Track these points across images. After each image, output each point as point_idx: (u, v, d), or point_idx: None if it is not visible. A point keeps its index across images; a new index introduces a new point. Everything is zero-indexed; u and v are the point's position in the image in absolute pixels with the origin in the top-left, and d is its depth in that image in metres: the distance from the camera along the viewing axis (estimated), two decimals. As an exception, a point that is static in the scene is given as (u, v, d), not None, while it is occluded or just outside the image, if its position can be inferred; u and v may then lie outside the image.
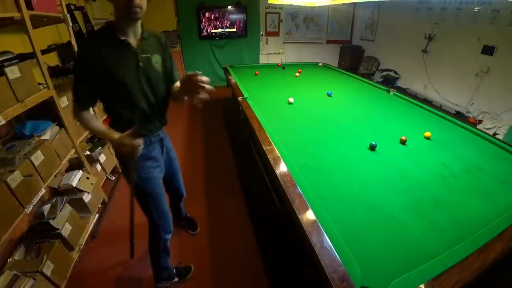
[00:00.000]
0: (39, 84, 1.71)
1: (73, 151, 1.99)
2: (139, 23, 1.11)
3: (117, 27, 1.07)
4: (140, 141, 1.11)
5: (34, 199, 1.49)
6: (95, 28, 2.94)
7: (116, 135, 1.12)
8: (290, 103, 2.45)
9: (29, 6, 1.59)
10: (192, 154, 3.09)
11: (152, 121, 1.23)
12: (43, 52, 1.85)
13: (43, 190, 1.58)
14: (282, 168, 1.36)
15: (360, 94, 2.83)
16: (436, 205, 1.20)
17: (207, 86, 1.01)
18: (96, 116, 1.25)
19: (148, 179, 1.27)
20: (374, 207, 1.18)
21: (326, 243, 0.92)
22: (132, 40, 1.10)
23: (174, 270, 1.60)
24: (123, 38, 1.07)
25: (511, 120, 3.19)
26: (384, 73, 5.14)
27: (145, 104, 1.16)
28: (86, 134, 2.26)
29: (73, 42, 2.15)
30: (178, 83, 1.28)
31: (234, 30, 5.49)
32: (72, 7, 2.55)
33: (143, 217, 1.41)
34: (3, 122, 1.34)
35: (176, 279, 1.59)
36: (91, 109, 1.20)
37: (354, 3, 5.65)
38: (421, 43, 4.40)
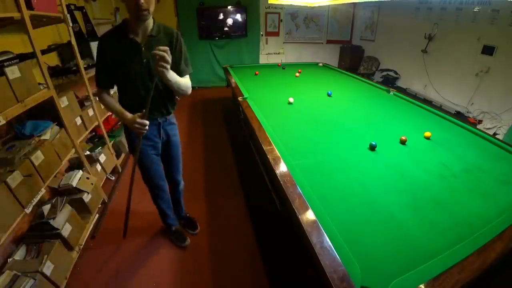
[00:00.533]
0: (39, 84, 1.71)
1: (73, 151, 1.98)
2: (149, 22, 1.27)
3: (128, 26, 1.26)
4: (146, 122, 1.30)
5: (34, 199, 1.49)
6: (95, 28, 2.94)
7: (129, 115, 1.32)
8: (290, 103, 2.45)
9: (29, 6, 1.58)
10: (192, 154, 3.09)
11: (151, 108, 1.36)
12: (43, 52, 1.85)
13: (43, 190, 1.58)
14: (282, 168, 1.36)
15: (360, 94, 2.83)
16: (436, 205, 1.20)
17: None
18: (114, 99, 1.43)
19: (140, 152, 1.46)
20: (374, 207, 1.18)
21: (326, 243, 0.92)
22: (140, 38, 1.28)
23: (174, 228, 1.90)
24: (131, 36, 1.26)
25: (511, 120, 3.20)
26: (384, 73, 5.14)
27: (146, 94, 1.32)
28: (86, 134, 2.26)
29: (73, 42, 2.15)
30: (187, 78, 1.47)
31: (234, 30, 5.49)
32: (72, 7, 2.54)
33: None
34: (3, 122, 1.34)
35: (172, 236, 1.89)
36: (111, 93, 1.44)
37: (354, 3, 5.65)
38: (421, 43, 4.41)
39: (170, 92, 1.42)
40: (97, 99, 1.42)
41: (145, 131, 1.32)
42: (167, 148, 1.61)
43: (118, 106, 1.37)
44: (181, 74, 1.40)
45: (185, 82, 1.42)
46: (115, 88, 1.44)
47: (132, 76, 1.29)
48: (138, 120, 1.28)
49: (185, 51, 1.44)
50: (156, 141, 1.51)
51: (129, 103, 1.37)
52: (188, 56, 1.47)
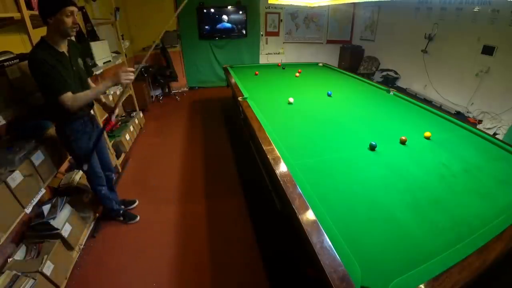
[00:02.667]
0: (39, 84, 1.70)
1: (73, 151, 1.98)
2: None
3: (54, 42, 1.41)
4: (131, 68, 1.54)
5: (34, 199, 1.49)
6: (95, 28, 2.94)
7: (111, 76, 1.52)
8: (290, 103, 2.45)
9: (29, 6, 1.59)
10: (192, 154, 3.09)
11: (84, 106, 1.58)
12: (43, 52, 1.84)
13: (43, 190, 1.58)
14: (282, 168, 1.36)
15: (360, 94, 2.83)
16: (436, 205, 1.20)
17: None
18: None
19: (82, 145, 1.66)
20: (374, 207, 1.18)
21: (326, 243, 0.92)
22: (64, 50, 1.47)
23: (121, 212, 2.07)
24: (61, 50, 1.44)
25: (511, 120, 3.20)
26: (384, 73, 5.14)
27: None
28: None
29: (73, 42, 2.15)
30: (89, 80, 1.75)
31: (234, 30, 5.49)
32: (72, 7, 2.54)
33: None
34: (3, 122, 1.34)
35: (121, 218, 2.06)
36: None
37: (354, 3, 5.65)
38: (421, 43, 4.41)
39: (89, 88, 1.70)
40: (72, 104, 1.42)
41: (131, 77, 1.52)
42: (98, 139, 1.77)
43: (93, 89, 1.53)
44: (90, 75, 1.76)
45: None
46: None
47: (70, 83, 1.45)
48: (126, 69, 1.50)
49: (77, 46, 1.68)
50: (92, 133, 1.74)
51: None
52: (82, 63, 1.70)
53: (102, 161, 1.90)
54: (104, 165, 1.92)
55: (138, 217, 2.10)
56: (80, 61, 1.60)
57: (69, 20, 1.36)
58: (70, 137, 1.62)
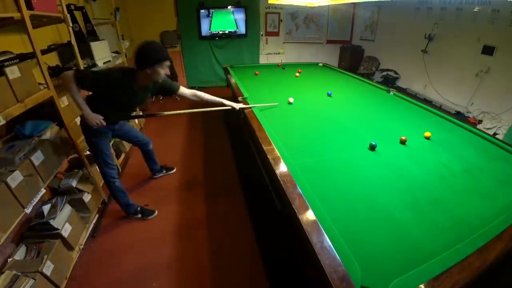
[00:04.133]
0: (39, 84, 1.71)
1: (73, 151, 1.99)
2: None
3: (139, 81, 1.62)
4: (100, 116, 1.65)
5: (34, 199, 1.49)
6: (95, 28, 2.94)
7: (90, 111, 1.62)
8: (290, 103, 2.45)
9: (29, 6, 1.58)
10: (192, 154, 3.09)
11: (118, 120, 1.89)
12: (43, 52, 1.85)
13: (43, 190, 1.58)
14: (282, 168, 1.36)
15: (360, 94, 2.83)
16: (436, 205, 1.20)
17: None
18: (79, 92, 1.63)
19: (99, 142, 1.81)
20: (374, 207, 1.18)
21: (326, 243, 0.92)
22: (140, 90, 1.67)
23: (139, 209, 2.09)
24: (136, 89, 1.64)
25: (511, 120, 3.20)
26: (384, 73, 5.14)
27: (122, 113, 1.85)
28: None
29: (73, 42, 2.15)
30: (182, 89, 1.99)
31: (234, 30, 5.49)
32: (72, 7, 2.54)
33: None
34: (3, 122, 1.34)
35: (139, 215, 2.08)
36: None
37: (354, 3, 5.65)
38: (421, 43, 4.41)
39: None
40: (65, 82, 1.56)
41: (96, 125, 1.66)
42: (123, 132, 2.07)
43: (82, 101, 1.59)
44: (175, 89, 1.95)
45: (195, 92, 2.10)
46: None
47: (117, 103, 1.68)
48: (101, 120, 1.64)
49: (164, 79, 1.75)
50: (109, 133, 1.91)
51: (101, 110, 1.65)
52: (167, 78, 1.85)
53: (136, 141, 2.21)
54: (138, 142, 2.24)
55: (156, 212, 2.13)
56: (148, 93, 1.81)
57: (162, 72, 1.58)
58: (95, 137, 1.78)
